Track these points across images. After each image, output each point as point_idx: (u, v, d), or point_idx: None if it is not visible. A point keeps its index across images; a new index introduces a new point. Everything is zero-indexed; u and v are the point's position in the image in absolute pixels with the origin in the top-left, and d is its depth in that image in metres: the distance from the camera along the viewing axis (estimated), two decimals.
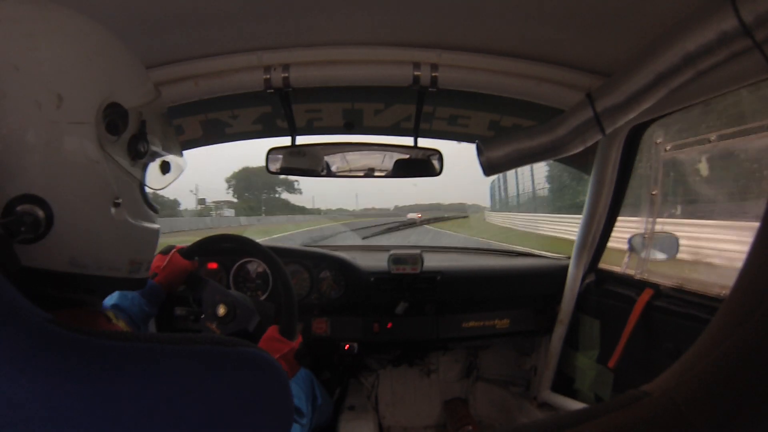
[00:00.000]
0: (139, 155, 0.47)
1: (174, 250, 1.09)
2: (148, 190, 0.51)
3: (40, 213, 0.38)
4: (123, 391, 0.31)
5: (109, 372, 0.31)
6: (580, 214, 1.38)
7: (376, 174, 1.39)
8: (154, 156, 0.50)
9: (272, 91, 1.07)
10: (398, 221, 24.94)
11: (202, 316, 1.03)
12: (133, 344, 0.33)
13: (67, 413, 0.30)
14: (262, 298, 1.46)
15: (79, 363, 0.31)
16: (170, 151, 0.53)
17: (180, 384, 0.33)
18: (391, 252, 1.51)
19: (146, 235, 0.49)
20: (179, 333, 0.36)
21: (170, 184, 0.54)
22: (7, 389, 0.29)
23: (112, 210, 0.44)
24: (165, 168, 0.53)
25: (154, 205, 0.51)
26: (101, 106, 0.42)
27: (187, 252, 1.09)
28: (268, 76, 1.04)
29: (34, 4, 0.41)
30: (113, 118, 0.43)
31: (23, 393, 0.29)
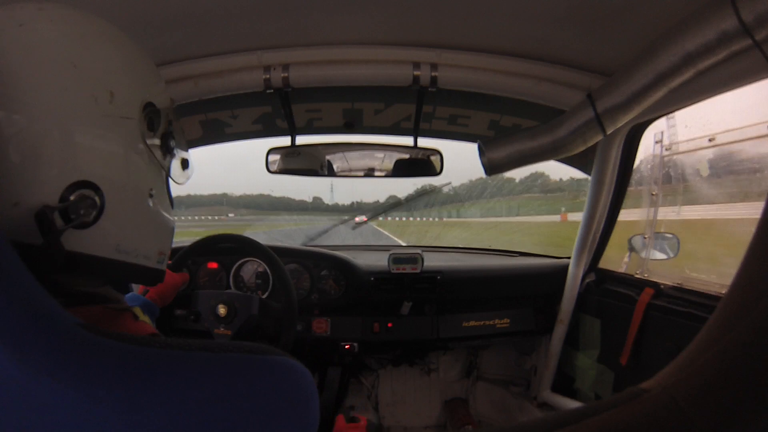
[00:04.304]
0: (170, 151, 0.52)
1: None
2: (172, 184, 0.56)
3: (96, 198, 0.41)
4: (153, 398, 0.31)
5: (140, 379, 0.31)
6: None
7: (377, 174, 1.39)
8: (177, 153, 0.55)
9: (272, 91, 1.07)
10: None
11: (206, 323, 1.04)
12: (164, 351, 0.33)
13: (95, 420, 0.29)
14: (262, 297, 1.46)
15: (109, 369, 0.31)
16: (185, 150, 0.58)
17: (210, 392, 0.32)
18: (392, 252, 1.51)
19: (169, 226, 0.53)
20: (206, 339, 0.36)
21: (189, 179, 0.59)
22: (39, 395, 0.29)
23: (149, 201, 0.48)
24: (185, 164, 0.58)
25: (172, 200, 0.56)
26: (142, 105, 0.47)
27: (175, 265, 1.09)
28: (267, 76, 1.04)
29: (79, 9, 0.44)
30: (151, 116, 0.48)
31: (54, 399, 0.29)
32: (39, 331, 0.29)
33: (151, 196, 0.48)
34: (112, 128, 0.43)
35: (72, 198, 0.39)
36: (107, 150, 0.42)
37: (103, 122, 0.42)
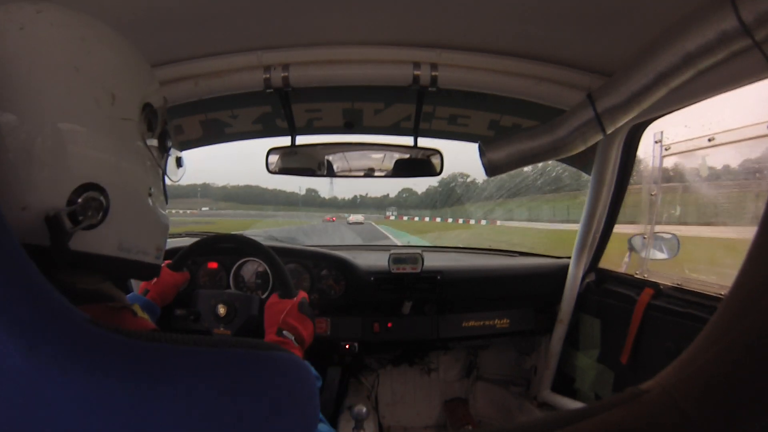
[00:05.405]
0: (166, 150, 0.53)
1: (162, 264, 1.08)
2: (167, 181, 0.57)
3: (102, 199, 0.42)
4: (162, 392, 0.31)
5: (149, 373, 0.31)
6: None
7: (376, 174, 1.39)
8: (172, 152, 0.56)
9: (272, 90, 1.07)
10: None
11: (206, 324, 1.04)
12: (173, 347, 0.33)
13: (104, 414, 0.30)
14: (262, 297, 1.46)
15: (119, 363, 0.31)
16: (178, 148, 0.59)
17: (217, 386, 0.33)
18: (392, 251, 1.51)
19: (165, 223, 0.54)
20: (209, 336, 0.37)
21: (182, 177, 0.60)
22: (48, 388, 0.29)
23: (149, 199, 0.49)
24: (179, 162, 0.59)
25: (167, 198, 0.57)
26: (141, 106, 0.48)
27: (175, 264, 1.09)
28: (267, 76, 1.04)
29: (77, 11, 0.45)
30: (149, 116, 0.49)
31: (63, 392, 0.29)
32: (49, 325, 0.29)
33: (150, 194, 0.49)
34: (114, 130, 0.44)
35: (79, 201, 0.40)
36: (111, 151, 0.43)
37: (105, 124, 0.43)
